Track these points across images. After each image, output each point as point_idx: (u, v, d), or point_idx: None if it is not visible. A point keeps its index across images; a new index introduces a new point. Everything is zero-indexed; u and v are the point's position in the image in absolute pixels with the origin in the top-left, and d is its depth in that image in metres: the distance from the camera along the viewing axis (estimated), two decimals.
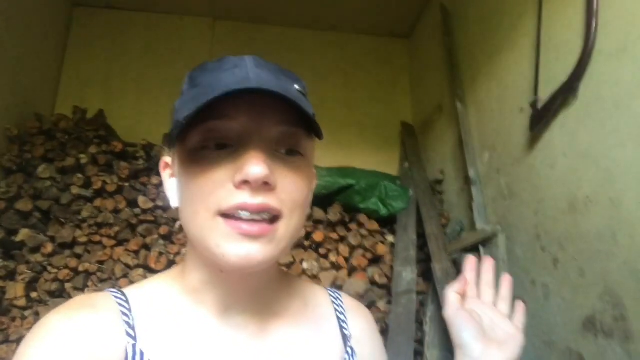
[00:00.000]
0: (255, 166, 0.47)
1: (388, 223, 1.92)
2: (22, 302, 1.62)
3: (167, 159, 0.59)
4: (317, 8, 2.39)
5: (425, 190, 1.97)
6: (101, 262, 1.69)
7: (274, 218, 0.50)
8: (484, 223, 1.64)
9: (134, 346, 0.52)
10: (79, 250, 1.69)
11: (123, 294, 0.57)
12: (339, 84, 2.47)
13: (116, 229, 1.71)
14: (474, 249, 1.65)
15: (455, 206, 1.92)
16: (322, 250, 1.81)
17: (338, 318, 0.66)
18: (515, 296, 1.46)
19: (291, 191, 0.51)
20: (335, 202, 1.89)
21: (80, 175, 1.73)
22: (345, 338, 0.64)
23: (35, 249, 1.66)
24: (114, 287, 0.60)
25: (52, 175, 1.72)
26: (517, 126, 1.45)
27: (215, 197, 0.49)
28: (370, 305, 1.76)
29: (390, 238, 1.88)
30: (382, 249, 1.82)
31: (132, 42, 2.33)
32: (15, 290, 1.62)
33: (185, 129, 0.50)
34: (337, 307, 0.68)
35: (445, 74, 2.02)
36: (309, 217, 1.82)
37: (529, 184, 1.39)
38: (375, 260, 1.84)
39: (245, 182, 0.48)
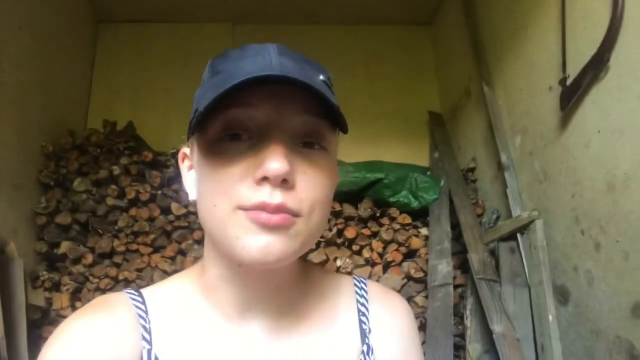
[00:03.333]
0: (275, 162, 0.45)
1: (421, 215, 1.88)
2: (67, 312, 1.69)
3: (185, 150, 0.58)
4: (333, 2, 2.37)
5: (458, 180, 1.91)
6: (140, 270, 1.73)
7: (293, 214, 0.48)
8: (520, 209, 1.57)
9: (149, 351, 0.52)
10: (117, 259, 1.75)
11: (140, 294, 0.57)
12: (362, 77, 2.43)
13: (152, 236, 1.76)
14: (511, 238, 1.60)
15: (490, 194, 1.85)
16: (355, 247, 1.79)
17: (358, 310, 0.62)
18: (558, 284, 1.40)
19: (311, 189, 0.49)
20: (365, 197, 1.87)
21: (114, 187, 1.78)
22: (363, 333, 0.60)
23: (77, 260, 1.73)
24: (132, 288, 0.60)
25: (87, 188, 1.77)
26: (547, 106, 1.38)
27: (236, 192, 0.47)
28: (408, 301, 1.73)
29: (424, 231, 1.84)
30: (416, 243, 1.79)
31: (156, 53, 2.38)
32: (61, 301, 1.69)
33: (206, 118, 0.49)
34: (359, 298, 0.63)
35: (470, 57, 1.95)
36: (340, 214, 1.81)
37: (564, 166, 1.32)
38: (411, 254, 1.80)
39: (265, 178, 0.46)
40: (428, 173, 1.97)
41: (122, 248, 1.74)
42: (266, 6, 2.37)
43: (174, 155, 1.96)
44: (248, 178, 0.47)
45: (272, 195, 0.46)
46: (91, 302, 0.56)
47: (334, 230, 1.77)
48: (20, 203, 1.69)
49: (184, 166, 0.58)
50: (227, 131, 0.49)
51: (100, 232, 1.75)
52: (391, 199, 1.85)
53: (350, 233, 1.78)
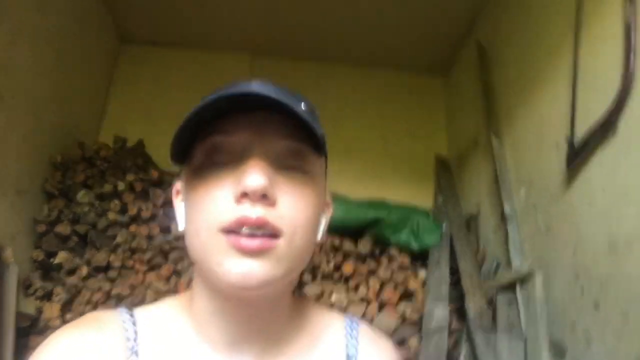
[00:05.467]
0: (254, 175, 0.46)
1: (420, 258, 1.87)
2: (57, 322, 1.66)
3: (178, 185, 0.58)
4: (354, 44, 2.43)
5: (460, 226, 1.91)
6: (133, 287, 1.72)
7: (274, 235, 0.47)
8: (520, 261, 1.57)
9: None
10: (112, 274, 1.73)
11: (133, 315, 0.56)
12: (374, 118, 2.47)
13: (149, 255, 1.75)
14: (510, 288, 1.58)
15: (492, 243, 1.85)
16: (351, 283, 1.77)
17: (347, 355, 0.61)
18: (555, 340, 1.38)
19: (292, 208, 0.48)
20: (366, 234, 1.86)
21: (117, 201, 1.78)
22: None
23: (72, 272, 1.71)
24: (125, 307, 0.60)
25: (90, 200, 1.78)
26: (554, 162, 1.40)
27: (217, 213, 0.47)
28: (402, 343, 1.70)
29: (422, 273, 1.83)
30: (414, 284, 1.77)
31: (174, 78, 2.42)
32: (52, 311, 1.66)
33: (190, 149, 0.51)
34: (349, 340, 0.62)
35: (481, 109, 1.99)
36: (339, 249, 1.80)
37: (567, 222, 1.32)
38: (407, 295, 1.78)
39: (245, 195, 0.46)
40: (430, 217, 1.97)
41: (118, 263, 1.73)
42: (285, 40, 2.44)
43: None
44: (229, 199, 0.47)
45: (252, 210, 0.46)
46: (82, 317, 0.56)
47: (332, 263, 1.75)
48: (22, 209, 1.69)
49: (177, 200, 0.58)
50: (208, 157, 0.50)
51: (98, 245, 1.74)
52: (392, 239, 1.85)
53: (347, 269, 1.77)
